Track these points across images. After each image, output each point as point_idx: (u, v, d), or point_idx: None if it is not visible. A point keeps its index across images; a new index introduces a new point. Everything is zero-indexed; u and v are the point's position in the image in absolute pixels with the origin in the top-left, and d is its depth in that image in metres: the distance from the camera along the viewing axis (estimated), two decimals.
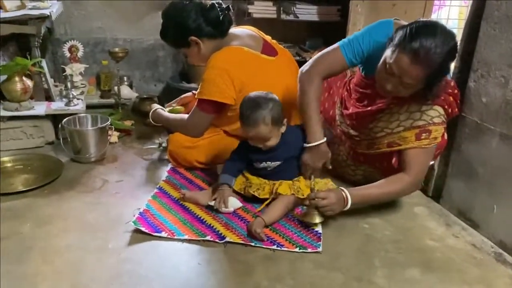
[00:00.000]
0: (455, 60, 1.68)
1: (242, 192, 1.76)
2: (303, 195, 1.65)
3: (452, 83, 1.64)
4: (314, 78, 1.70)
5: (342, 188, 1.62)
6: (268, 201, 1.69)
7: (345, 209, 1.59)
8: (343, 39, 1.72)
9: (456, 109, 1.64)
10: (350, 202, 1.58)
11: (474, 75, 1.65)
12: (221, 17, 1.88)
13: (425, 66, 1.41)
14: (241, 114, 1.64)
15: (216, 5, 1.89)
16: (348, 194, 1.58)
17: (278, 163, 1.71)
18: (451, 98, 1.61)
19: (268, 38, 2.03)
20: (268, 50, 1.96)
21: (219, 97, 1.83)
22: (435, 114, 1.60)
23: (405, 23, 1.52)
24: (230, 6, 1.95)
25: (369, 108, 1.73)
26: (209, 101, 1.85)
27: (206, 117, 1.91)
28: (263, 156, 1.71)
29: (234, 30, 2.00)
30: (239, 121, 1.67)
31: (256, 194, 1.70)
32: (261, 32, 2.05)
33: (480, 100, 1.62)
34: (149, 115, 2.14)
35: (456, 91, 1.63)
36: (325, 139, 1.71)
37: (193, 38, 1.89)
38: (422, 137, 1.60)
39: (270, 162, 1.71)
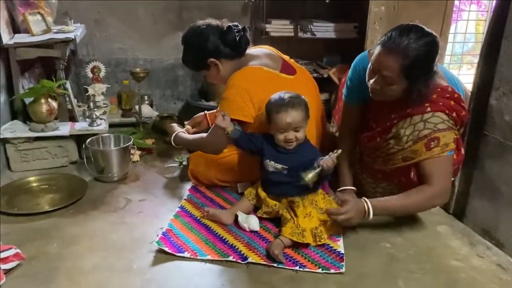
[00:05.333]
0: (474, 77, 1.70)
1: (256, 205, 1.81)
2: (303, 241, 1.60)
3: (450, 88, 1.66)
4: (343, 136, 1.98)
5: (365, 199, 1.63)
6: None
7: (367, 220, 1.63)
8: (344, 91, 1.94)
9: (464, 112, 1.64)
10: (372, 214, 1.61)
11: (495, 93, 1.64)
12: (238, 38, 1.93)
13: (400, 57, 1.50)
14: (274, 104, 1.67)
15: (233, 27, 1.94)
16: (370, 206, 1.61)
17: (281, 165, 1.68)
18: (452, 102, 1.62)
19: (286, 57, 2.07)
20: (286, 69, 1.99)
21: (238, 115, 1.85)
22: (438, 120, 1.61)
23: None
24: (246, 27, 2.00)
25: (377, 130, 1.78)
26: None
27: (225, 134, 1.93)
28: (275, 154, 1.71)
29: (253, 50, 2.04)
30: (270, 116, 1.69)
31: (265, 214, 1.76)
32: (279, 52, 2.08)
33: (503, 119, 1.61)
34: (168, 133, 2.19)
35: (456, 94, 1.64)
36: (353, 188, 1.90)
37: (212, 60, 1.94)
38: (432, 146, 1.60)
39: (274, 163, 1.70)
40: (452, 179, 1.84)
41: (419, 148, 1.62)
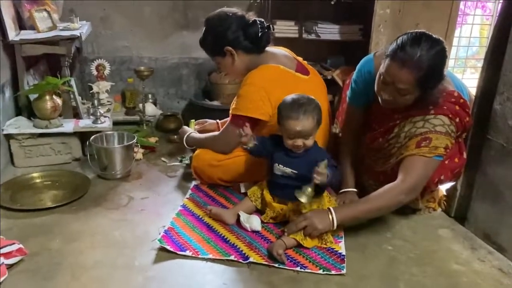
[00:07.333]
0: (483, 83, 1.71)
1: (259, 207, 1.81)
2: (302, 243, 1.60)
3: (456, 93, 1.67)
4: (346, 137, 1.99)
5: (330, 208, 1.61)
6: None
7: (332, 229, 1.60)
8: (348, 92, 1.95)
9: (468, 118, 1.65)
10: (336, 223, 1.58)
11: (499, 97, 1.64)
12: (260, 34, 1.92)
13: (414, 70, 1.50)
14: (286, 109, 1.63)
15: (258, 22, 1.94)
16: (335, 216, 1.58)
17: (290, 170, 1.68)
18: (456, 107, 1.63)
19: (300, 59, 2.08)
20: (301, 69, 2.01)
21: (254, 113, 1.85)
22: (439, 122, 1.62)
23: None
24: (270, 25, 1.99)
25: (380, 130, 1.79)
26: (244, 117, 1.87)
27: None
28: (284, 157, 1.70)
29: (271, 49, 2.05)
30: (280, 119, 1.65)
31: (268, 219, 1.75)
32: (293, 53, 2.10)
33: (506, 123, 1.61)
34: (172, 131, 2.18)
35: (462, 100, 1.65)
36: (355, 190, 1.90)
37: (229, 48, 1.94)
38: (422, 145, 1.61)
39: (284, 167, 1.69)
40: (454, 182, 1.85)
41: (411, 144, 1.63)
